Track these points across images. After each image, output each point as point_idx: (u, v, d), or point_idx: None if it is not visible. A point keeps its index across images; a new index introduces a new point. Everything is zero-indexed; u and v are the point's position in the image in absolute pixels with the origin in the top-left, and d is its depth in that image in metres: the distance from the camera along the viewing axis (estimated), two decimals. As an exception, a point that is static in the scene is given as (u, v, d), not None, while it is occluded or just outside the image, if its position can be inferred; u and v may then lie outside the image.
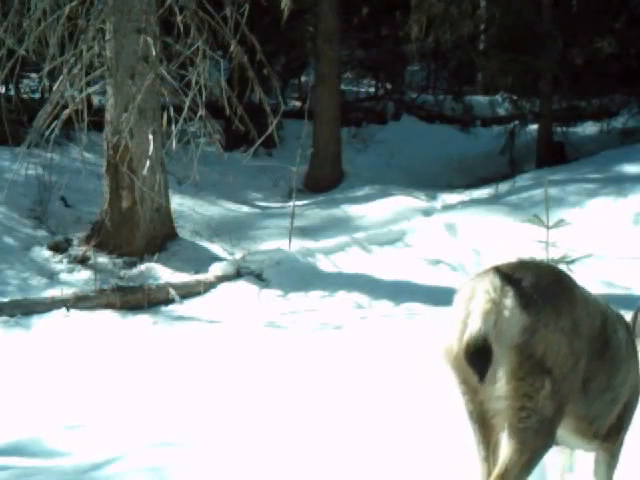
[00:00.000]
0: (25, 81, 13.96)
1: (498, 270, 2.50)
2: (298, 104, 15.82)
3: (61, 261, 8.57)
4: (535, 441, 2.52)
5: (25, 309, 7.26)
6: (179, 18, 8.03)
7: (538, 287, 2.46)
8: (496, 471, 2.54)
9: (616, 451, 2.98)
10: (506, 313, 2.40)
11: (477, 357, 2.36)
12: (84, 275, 8.30)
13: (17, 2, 8.19)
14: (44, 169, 9.44)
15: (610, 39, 12.97)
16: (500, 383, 2.44)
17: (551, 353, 2.43)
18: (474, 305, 2.43)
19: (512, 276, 2.47)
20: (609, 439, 2.91)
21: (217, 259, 8.85)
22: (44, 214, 9.44)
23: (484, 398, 2.49)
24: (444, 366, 2.61)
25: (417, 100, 17.07)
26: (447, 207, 10.88)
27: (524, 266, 2.62)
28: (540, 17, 12.95)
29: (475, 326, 2.37)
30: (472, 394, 2.51)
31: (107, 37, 8.40)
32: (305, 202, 11.50)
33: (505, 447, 2.53)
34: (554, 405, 2.48)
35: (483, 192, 11.65)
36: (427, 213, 10.52)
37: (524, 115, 14.20)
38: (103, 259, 8.62)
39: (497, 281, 2.44)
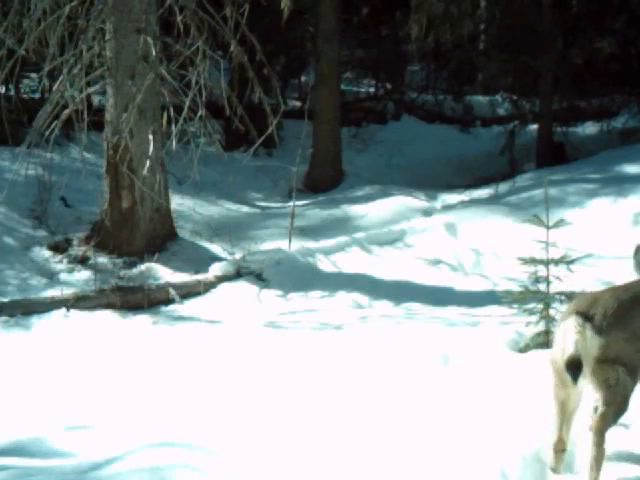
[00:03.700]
0: (25, 81, 13.95)
1: (579, 312, 3.74)
2: (298, 104, 15.83)
3: (61, 261, 8.56)
4: (626, 390, 3.75)
5: (25, 309, 7.24)
6: (179, 18, 8.02)
7: (606, 317, 3.72)
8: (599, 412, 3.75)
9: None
10: (588, 339, 3.68)
11: (573, 368, 3.64)
12: (84, 275, 8.30)
13: (17, 2, 8.18)
14: (44, 169, 9.44)
15: (610, 39, 13.00)
16: (587, 377, 3.71)
17: (623, 354, 3.72)
18: (568, 336, 3.70)
19: (589, 313, 3.72)
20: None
21: (217, 259, 8.85)
22: (44, 214, 9.43)
23: (573, 391, 3.80)
24: (550, 372, 3.86)
25: (417, 100, 17.08)
26: (447, 207, 10.88)
27: (597, 302, 3.80)
28: (540, 17, 12.96)
29: (571, 349, 3.65)
30: (563, 388, 3.81)
31: (107, 37, 8.40)
32: (305, 202, 11.51)
33: (602, 401, 3.72)
34: (630, 378, 3.76)
35: (483, 192, 11.66)
36: (427, 213, 10.52)
37: (524, 115, 14.20)
38: (103, 259, 8.62)
39: (579, 319, 3.70)
